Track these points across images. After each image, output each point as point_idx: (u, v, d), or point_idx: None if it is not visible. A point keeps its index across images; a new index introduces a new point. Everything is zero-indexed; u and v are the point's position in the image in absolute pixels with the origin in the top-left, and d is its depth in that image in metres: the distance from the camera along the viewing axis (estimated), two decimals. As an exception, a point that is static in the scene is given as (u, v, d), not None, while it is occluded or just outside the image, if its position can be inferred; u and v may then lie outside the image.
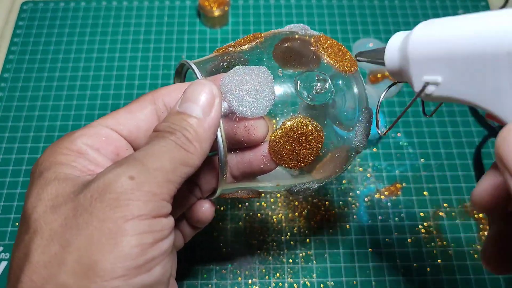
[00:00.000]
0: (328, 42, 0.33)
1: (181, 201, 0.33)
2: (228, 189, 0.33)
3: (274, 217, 0.51)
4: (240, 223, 0.50)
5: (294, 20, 0.66)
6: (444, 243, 0.49)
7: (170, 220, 0.25)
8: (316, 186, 0.34)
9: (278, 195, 0.52)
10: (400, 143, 0.56)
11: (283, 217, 0.51)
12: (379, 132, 0.33)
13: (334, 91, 0.31)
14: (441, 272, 0.48)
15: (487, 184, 0.24)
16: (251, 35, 0.33)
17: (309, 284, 0.47)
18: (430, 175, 0.54)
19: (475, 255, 0.49)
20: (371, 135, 0.52)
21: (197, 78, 0.29)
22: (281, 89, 0.30)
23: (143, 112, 0.29)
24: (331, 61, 0.32)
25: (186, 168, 0.25)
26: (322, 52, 0.32)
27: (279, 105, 0.30)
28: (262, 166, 0.30)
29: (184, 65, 0.31)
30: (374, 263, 0.48)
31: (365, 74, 0.61)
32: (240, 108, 0.28)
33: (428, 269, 0.48)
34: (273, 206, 0.51)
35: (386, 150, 0.55)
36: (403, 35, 0.28)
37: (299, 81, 0.30)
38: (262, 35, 0.33)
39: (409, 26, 0.65)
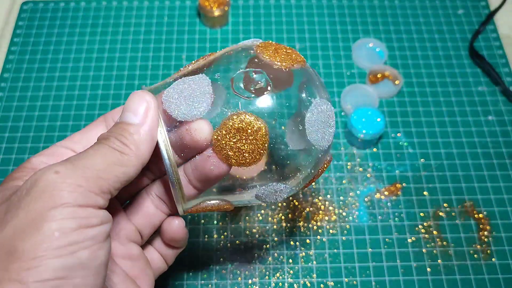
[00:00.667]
0: (274, 46, 0.33)
1: (150, 219, 0.33)
2: (192, 203, 0.33)
3: (274, 217, 0.51)
4: (240, 223, 0.50)
5: (294, 21, 0.66)
6: (444, 243, 0.49)
7: (100, 212, 0.26)
8: (282, 188, 0.33)
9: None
10: (400, 143, 0.56)
11: (283, 217, 0.51)
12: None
13: (272, 85, 0.31)
14: (441, 272, 0.48)
15: None
16: (205, 55, 0.35)
17: (309, 284, 0.47)
18: (430, 175, 0.54)
19: (475, 255, 0.49)
20: (370, 135, 0.53)
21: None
22: (219, 90, 0.31)
23: (95, 130, 0.31)
24: (273, 60, 0.32)
25: (121, 168, 0.27)
26: (265, 55, 0.32)
27: (219, 106, 0.31)
28: (212, 168, 0.31)
29: None
30: (374, 263, 0.48)
31: (365, 74, 0.61)
32: (180, 113, 0.29)
33: (428, 269, 0.48)
34: (273, 206, 0.51)
35: (386, 150, 0.55)
36: None
37: (234, 80, 0.31)
38: (213, 54, 0.35)
39: (409, 26, 0.65)
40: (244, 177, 0.33)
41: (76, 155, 0.27)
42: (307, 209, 0.51)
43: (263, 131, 0.30)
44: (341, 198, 0.52)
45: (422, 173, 0.54)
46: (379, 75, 0.60)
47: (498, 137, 0.56)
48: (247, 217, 0.51)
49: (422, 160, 0.55)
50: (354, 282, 0.47)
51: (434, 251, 0.49)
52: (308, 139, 0.32)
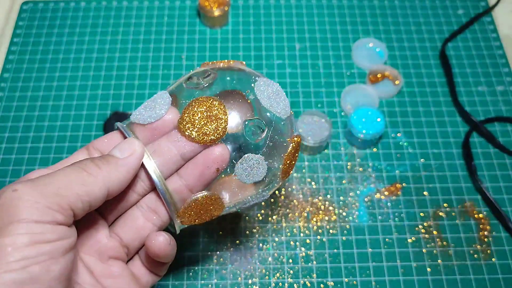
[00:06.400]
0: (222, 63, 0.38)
1: (138, 232, 0.33)
2: (184, 206, 0.34)
3: (274, 217, 0.51)
4: (240, 223, 0.50)
5: (294, 21, 0.66)
6: (444, 243, 0.49)
7: (59, 228, 0.26)
8: (257, 159, 0.34)
9: (277, 192, 0.52)
10: (400, 143, 0.56)
11: (283, 217, 0.51)
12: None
13: (216, 74, 0.36)
14: (441, 272, 0.48)
15: None
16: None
17: (309, 284, 0.47)
18: (430, 175, 0.54)
19: (475, 255, 0.49)
20: (370, 135, 0.53)
21: (125, 132, 0.34)
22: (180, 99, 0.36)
23: (79, 155, 0.33)
24: (217, 63, 0.38)
25: (84, 187, 0.28)
26: (213, 63, 0.39)
27: (182, 104, 0.35)
28: (186, 152, 0.33)
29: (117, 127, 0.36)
30: (374, 263, 0.48)
31: (365, 74, 0.61)
32: (140, 117, 0.34)
33: (428, 269, 0.48)
34: (273, 206, 0.51)
35: (386, 150, 0.55)
36: None
37: (187, 80, 0.36)
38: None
39: (409, 26, 0.65)
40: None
41: (40, 176, 0.28)
42: (307, 209, 0.51)
43: (222, 106, 0.34)
44: (341, 198, 0.52)
45: (422, 173, 0.54)
46: (379, 75, 0.60)
47: (498, 137, 0.56)
48: (247, 217, 0.51)
49: (422, 160, 0.55)
50: (354, 282, 0.47)
51: (434, 251, 0.49)
52: (263, 106, 0.35)
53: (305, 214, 0.51)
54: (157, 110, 0.34)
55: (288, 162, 0.36)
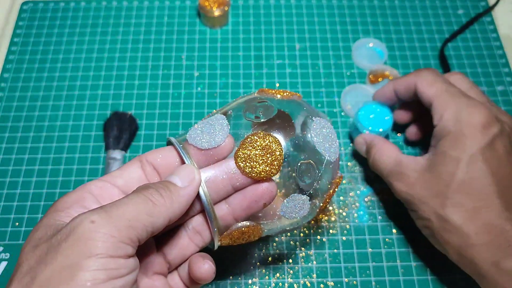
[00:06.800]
0: (274, 90, 0.39)
1: (182, 250, 0.35)
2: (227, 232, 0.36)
3: (274, 217, 0.51)
4: (240, 223, 0.50)
5: (294, 21, 0.66)
6: (444, 243, 0.49)
7: (129, 261, 0.28)
8: (304, 199, 0.36)
9: (279, 193, 0.52)
10: (400, 143, 0.56)
11: (283, 217, 0.51)
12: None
13: (274, 108, 0.37)
14: (441, 271, 0.48)
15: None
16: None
17: (309, 284, 0.47)
18: (430, 175, 0.53)
19: (475, 255, 0.49)
20: (376, 133, 0.52)
21: (173, 141, 0.35)
22: (234, 122, 0.37)
23: (132, 167, 0.35)
24: (275, 93, 0.39)
25: (150, 218, 0.29)
26: (268, 91, 0.39)
27: (237, 133, 0.36)
28: (238, 184, 0.34)
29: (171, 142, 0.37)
30: (374, 263, 0.48)
31: (365, 74, 0.61)
32: (200, 142, 0.34)
33: (428, 268, 0.48)
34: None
35: (386, 150, 0.55)
36: None
37: (246, 110, 0.37)
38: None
39: (409, 26, 0.65)
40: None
41: (111, 203, 0.29)
42: (307, 209, 0.51)
43: (278, 143, 0.34)
44: (341, 198, 0.52)
45: (422, 173, 0.54)
46: (379, 75, 0.60)
47: (498, 137, 0.56)
48: (247, 217, 0.51)
49: (422, 160, 0.54)
50: (354, 282, 0.47)
51: (434, 250, 0.49)
52: (317, 149, 0.36)
53: (305, 214, 0.51)
54: (216, 137, 0.34)
55: (328, 200, 0.38)
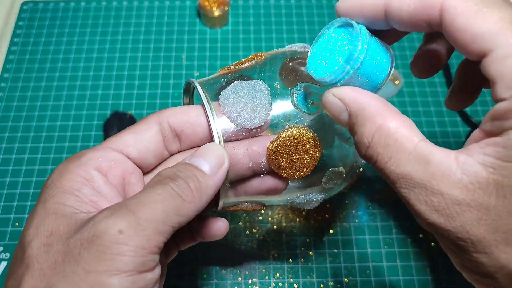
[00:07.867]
0: None
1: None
2: (232, 202, 0.33)
3: (274, 217, 0.51)
4: (240, 223, 0.50)
5: (294, 21, 0.66)
6: (444, 243, 0.49)
7: (155, 274, 0.25)
8: (319, 199, 0.34)
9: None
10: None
11: (283, 217, 0.51)
12: None
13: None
14: (441, 271, 0.48)
15: None
16: (254, 54, 0.34)
17: (309, 284, 0.47)
18: (430, 175, 0.53)
19: (475, 255, 0.49)
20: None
21: (203, 101, 0.30)
22: (278, 101, 0.31)
23: (149, 133, 0.30)
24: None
25: (178, 218, 0.26)
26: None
27: (277, 116, 0.31)
28: (262, 176, 0.31)
29: (191, 84, 0.32)
30: (374, 263, 0.48)
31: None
32: (238, 119, 0.29)
33: (428, 268, 0.48)
34: (273, 206, 0.51)
35: (386, 150, 0.55)
36: None
37: (295, 93, 0.31)
38: (263, 54, 0.34)
39: (409, 26, 0.65)
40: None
41: (137, 200, 0.25)
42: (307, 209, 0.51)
43: (318, 147, 0.31)
44: (341, 198, 0.52)
45: (422, 173, 0.54)
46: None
47: (498, 137, 0.56)
48: (247, 217, 0.51)
49: (422, 160, 0.54)
50: (354, 282, 0.47)
51: (434, 250, 0.49)
52: (352, 154, 0.33)
53: (305, 214, 0.51)
54: (256, 115, 0.29)
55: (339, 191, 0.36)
